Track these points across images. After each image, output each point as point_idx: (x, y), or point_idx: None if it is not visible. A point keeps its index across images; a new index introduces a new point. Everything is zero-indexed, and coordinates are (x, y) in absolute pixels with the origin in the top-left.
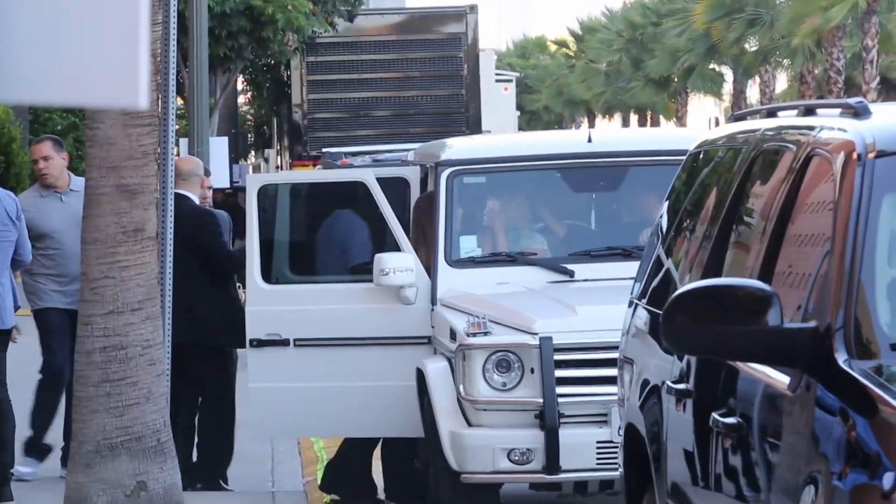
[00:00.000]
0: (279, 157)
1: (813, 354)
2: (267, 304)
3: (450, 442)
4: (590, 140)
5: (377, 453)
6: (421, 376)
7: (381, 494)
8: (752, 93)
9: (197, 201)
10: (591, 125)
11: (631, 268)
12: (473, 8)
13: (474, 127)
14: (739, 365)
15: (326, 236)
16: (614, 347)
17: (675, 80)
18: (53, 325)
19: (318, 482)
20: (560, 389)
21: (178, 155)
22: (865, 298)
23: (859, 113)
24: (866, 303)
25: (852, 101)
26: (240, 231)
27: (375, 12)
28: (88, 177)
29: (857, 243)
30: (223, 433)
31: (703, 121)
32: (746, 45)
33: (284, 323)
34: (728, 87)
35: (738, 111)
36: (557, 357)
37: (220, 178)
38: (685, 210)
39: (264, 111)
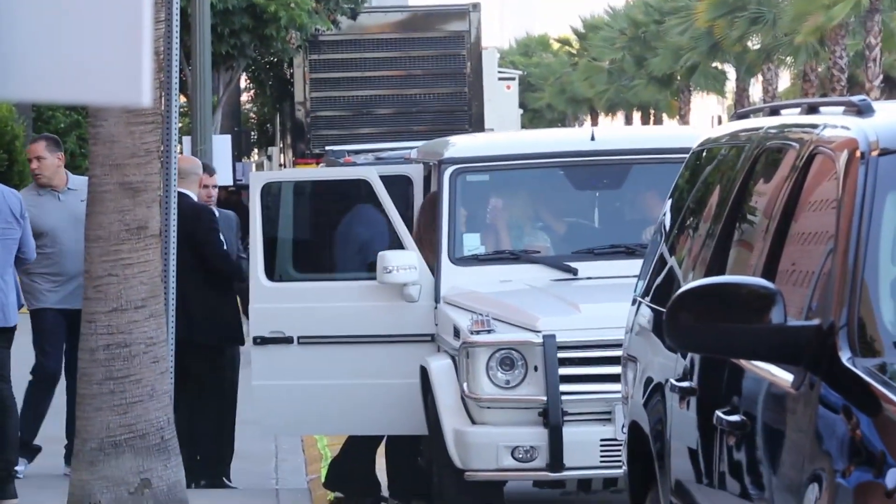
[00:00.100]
0: (282, 155)
1: (816, 352)
2: (271, 301)
3: (453, 439)
4: (593, 138)
5: (381, 451)
6: (424, 374)
7: (385, 492)
8: (755, 91)
9: (195, 199)
10: (594, 123)
11: (634, 266)
12: (476, 6)
13: (477, 125)
14: (743, 363)
15: (345, 233)
16: (618, 345)
17: (678, 78)
18: (47, 326)
19: (322, 480)
20: (563, 387)
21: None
22: (869, 296)
23: (862, 111)
24: (870, 301)
25: (855, 99)
26: (247, 229)
27: (378, 10)
28: (91, 174)
29: (861, 241)
30: (222, 430)
31: (706, 119)
32: (749, 43)
33: (288, 320)
34: (731, 86)
35: (741, 109)
36: (561, 355)
37: (224, 176)
38: (688, 208)
39: (267, 109)
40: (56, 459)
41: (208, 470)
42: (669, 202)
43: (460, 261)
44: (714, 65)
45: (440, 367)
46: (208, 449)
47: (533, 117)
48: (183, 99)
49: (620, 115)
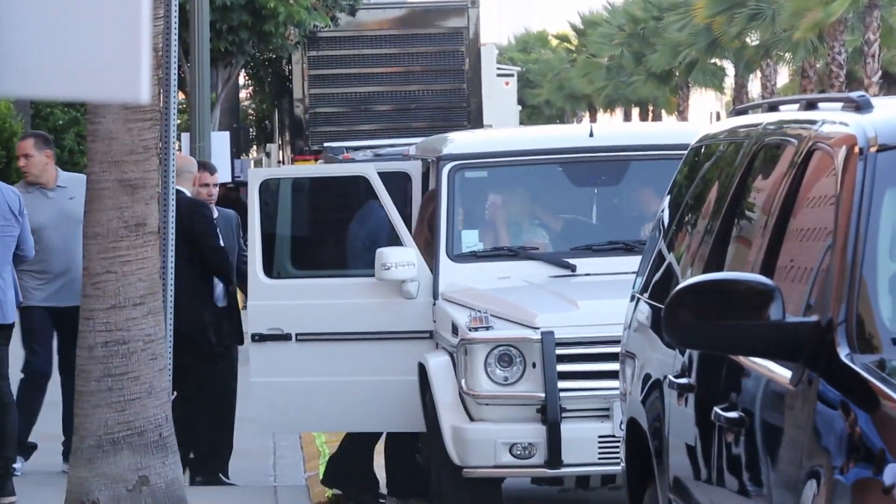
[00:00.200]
0: (281, 152)
1: (815, 349)
2: (269, 298)
3: (452, 436)
4: (591, 134)
5: (379, 448)
6: (423, 371)
7: (383, 489)
8: (754, 87)
9: (190, 196)
10: (593, 119)
11: (632, 262)
12: (475, 2)
13: (476, 121)
14: (741, 359)
15: (356, 230)
16: (616, 342)
17: (677, 74)
18: (35, 324)
19: (320, 477)
20: (562, 384)
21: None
22: (867, 293)
23: (861, 107)
24: (868, 297)
25: (854, 95)
26: (245, 226)
27: (377, 6)
28: (90, 171)
29: (859, 237)
30: (222, 428)
31: (704, 115)
32: (748, 40)
33: (286, 317)
34: (729, 82)
35: (739, 105)
36: (559, 351)
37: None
38: (687, 204)
39: (266, 106)
40: (54, 457)
41: (204, 467)
42: (668, 198)
43: (459, 257)
44: (712, 61)
45: (438, 364)
46: (204, 445)
47: (531, 114)
48: (181, 95)
49: (619, 112)
